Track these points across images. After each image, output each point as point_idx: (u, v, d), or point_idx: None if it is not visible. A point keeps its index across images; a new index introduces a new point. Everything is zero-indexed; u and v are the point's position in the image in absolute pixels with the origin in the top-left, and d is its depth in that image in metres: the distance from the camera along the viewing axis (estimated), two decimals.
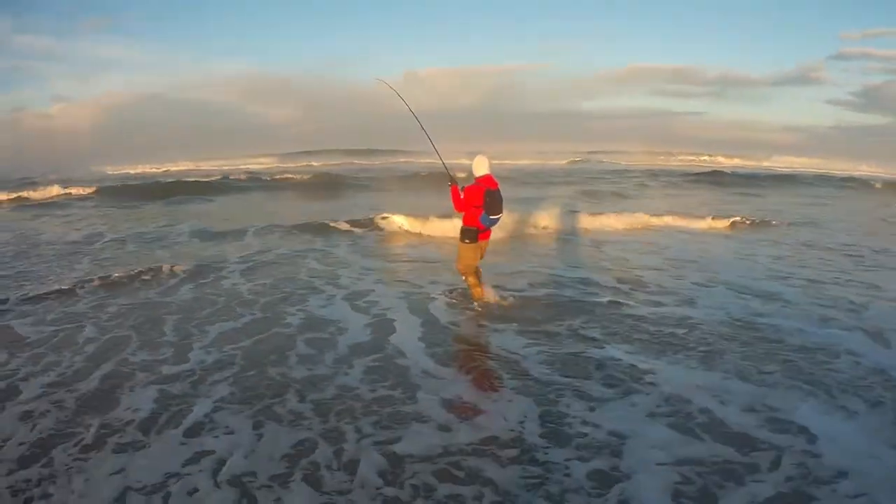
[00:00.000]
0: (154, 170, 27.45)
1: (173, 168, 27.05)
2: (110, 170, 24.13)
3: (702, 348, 5.06)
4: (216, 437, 3.67)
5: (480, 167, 5.76)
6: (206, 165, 28.03)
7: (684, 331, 5.48)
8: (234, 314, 6.02)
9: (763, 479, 3.21)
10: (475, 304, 6.08)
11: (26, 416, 3.93)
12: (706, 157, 45.59)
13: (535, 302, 6.37)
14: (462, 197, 5.73)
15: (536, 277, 7.53)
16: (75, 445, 3.57)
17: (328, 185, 21.23)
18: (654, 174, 26.62)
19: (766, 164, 41.81)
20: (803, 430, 3.70)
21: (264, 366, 4.71)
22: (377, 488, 3.15)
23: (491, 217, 5.69)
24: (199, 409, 4.00)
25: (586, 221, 12.33)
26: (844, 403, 4.07)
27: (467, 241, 5.78)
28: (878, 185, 24.64)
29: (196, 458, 3.44)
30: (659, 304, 6.35)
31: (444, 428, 3.74)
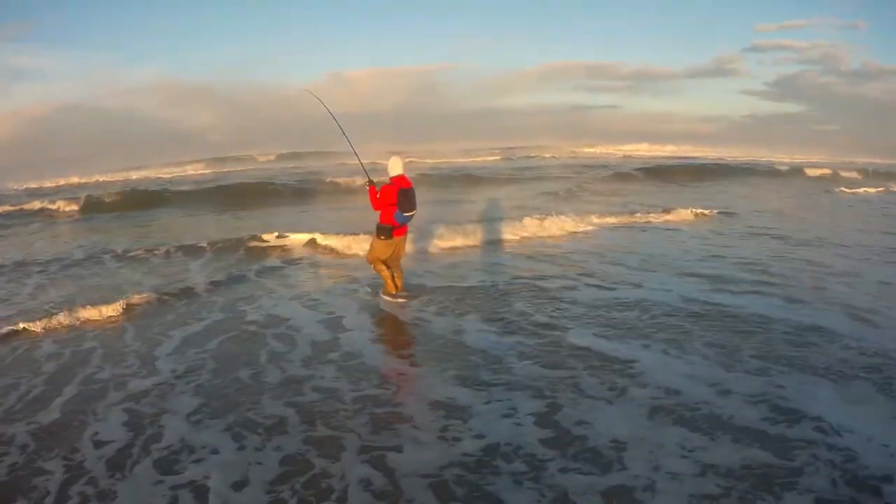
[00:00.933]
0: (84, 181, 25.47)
1: (102, 179, 25.11)
2: (34, 184, 22.19)
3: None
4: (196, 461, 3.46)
5: (395, 168, 6.12)
6: (135, 175, 26.20)
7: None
8: None
9: (802, 485, 3.09)
10: (386, 296, 6.42)
11: None
12: (623, 148, 47.85)
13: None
14: (378, 196, 6.05)
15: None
16: None
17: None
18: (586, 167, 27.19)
19: (675, 151, 44.62)
20: (818, 420, 3.72)
21: None
22: None
23: (405, 214, 6.07)
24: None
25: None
26: (848, 388, 4.17)
27: (382, 237, 6.16)
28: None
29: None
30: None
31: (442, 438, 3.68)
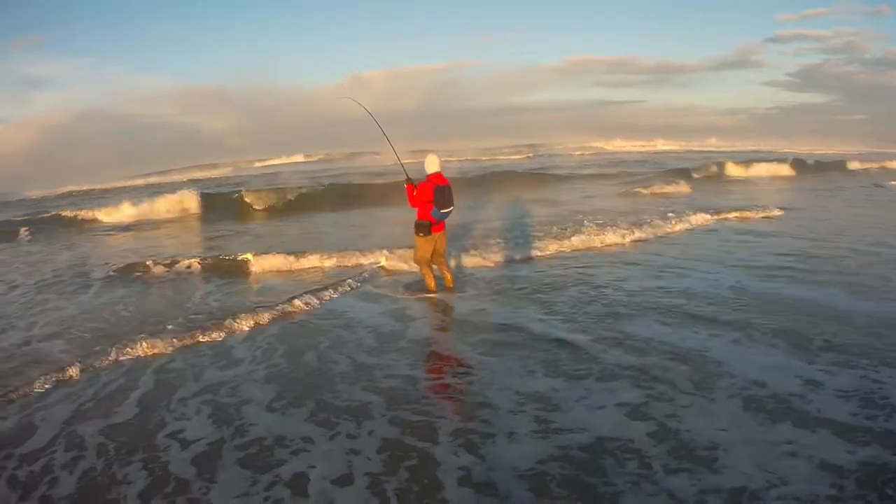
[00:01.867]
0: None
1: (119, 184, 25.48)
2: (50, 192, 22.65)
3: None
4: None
5: (431, 165, 6.20)
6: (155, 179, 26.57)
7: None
8: None
9: None
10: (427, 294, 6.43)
11: None
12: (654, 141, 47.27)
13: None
14: (415, 194, 6.15)
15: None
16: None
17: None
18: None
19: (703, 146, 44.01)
20: None
21: None
22: None
23: (442, 211, 6.16)
24: None
25: None
26: None
27: (422, 234, 6.21)
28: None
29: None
30: None
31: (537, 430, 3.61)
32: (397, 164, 6.74)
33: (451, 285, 6.56)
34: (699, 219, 10.86)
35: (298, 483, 3.19)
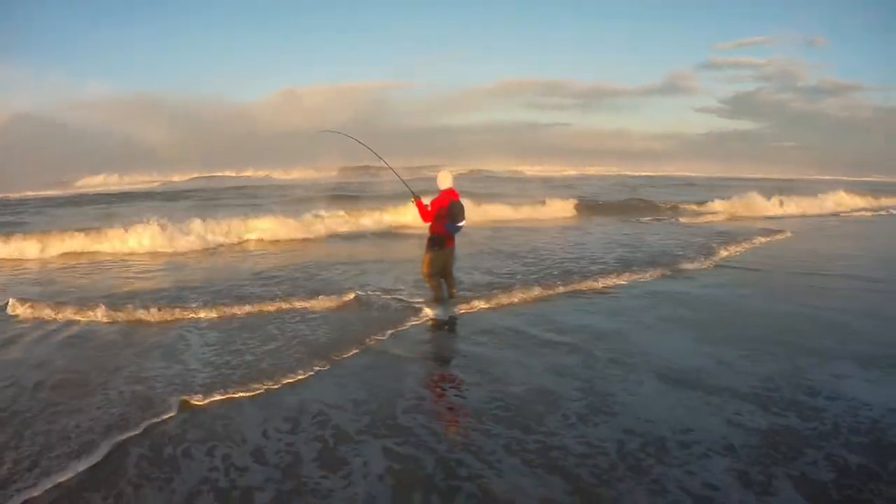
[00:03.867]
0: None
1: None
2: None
3: None
4: None
5: (444, 181, 6.30)
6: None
7: None
8: None
9: None
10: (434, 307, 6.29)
11: None
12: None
13: None
14: (429, 208, 6.19)
15: None
16: None
17: None
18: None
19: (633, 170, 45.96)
20: None
21: None
22: None
23: (456, 225, 6.22)
24: None
25: None
26: None
27: (436, 248, 6.26)
28: None
29: None
30: None
31: None
32: (397, 181, 6.76)
33: (454, 296, 6.62)
34: None
35: None
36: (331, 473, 3.00)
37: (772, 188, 23.63)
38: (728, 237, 11.59)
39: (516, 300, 6.61)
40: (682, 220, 16.18)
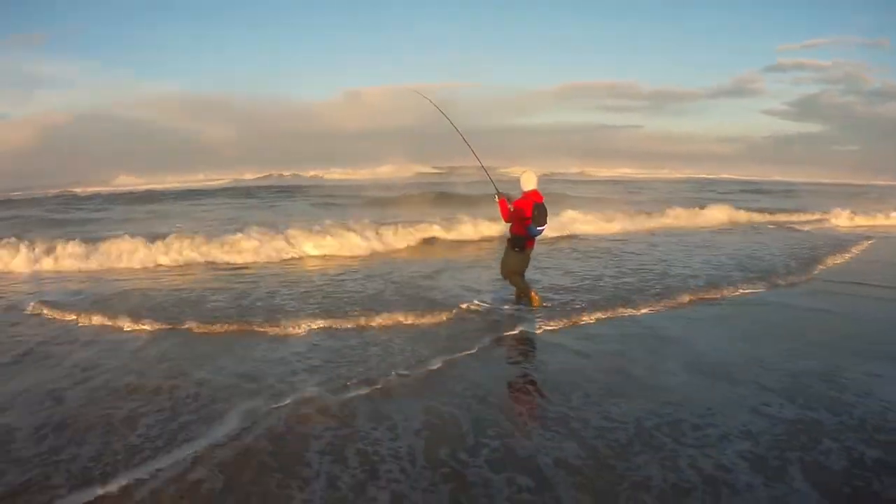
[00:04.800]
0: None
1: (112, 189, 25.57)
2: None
3: None
4: None
5: (529, 182, 6.17)
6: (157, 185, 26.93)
7: None
8: None
9: None
10: (529, 306, 6.24)
11: None
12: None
13: None
14: (511, 210, 6.14)
15: None
16: None
17: None
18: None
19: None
20: None
21: None
22: None
23: (538, 228, 6.11)
24: None
25: None
26: None
27: (517, 249, 6.24)
28: None
29: None
30: None
31: None
32: (482, 174, 6.71)
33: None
34: None
35: None
36: (378, 424, 3.51)
37: (853, 194, 22.48)
38: None
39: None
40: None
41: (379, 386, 4.15)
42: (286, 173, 43.18)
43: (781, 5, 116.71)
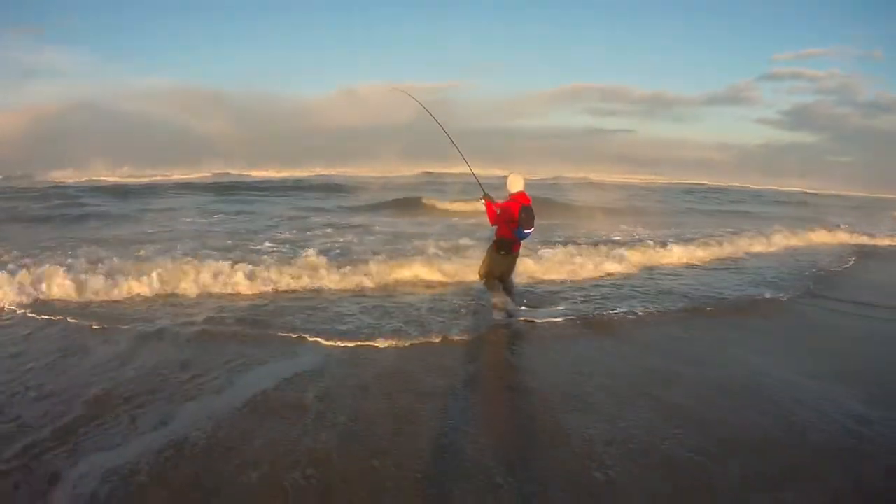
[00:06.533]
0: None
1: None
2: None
3: None
4: None
5: (516, 184, 6.06)
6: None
7: None
8: None
9: None
10: (494, 312, 6.24)
11: None
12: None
13: None
14: (498, 212, 6.02)
15: None
16: None
17: None
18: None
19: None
20: None
21: None
22: None
23: (525, 231, 5.98)
24: None
25: None
26: None
27: (502, 252, 6.13)
28: None
29: None
30: None
31: None
32: (471, 177, 6.59)
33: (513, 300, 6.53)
34: None
35: None
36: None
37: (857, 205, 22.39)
38: None
39: None
40: None
41: None
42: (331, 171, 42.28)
43: (777, 15, 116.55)
